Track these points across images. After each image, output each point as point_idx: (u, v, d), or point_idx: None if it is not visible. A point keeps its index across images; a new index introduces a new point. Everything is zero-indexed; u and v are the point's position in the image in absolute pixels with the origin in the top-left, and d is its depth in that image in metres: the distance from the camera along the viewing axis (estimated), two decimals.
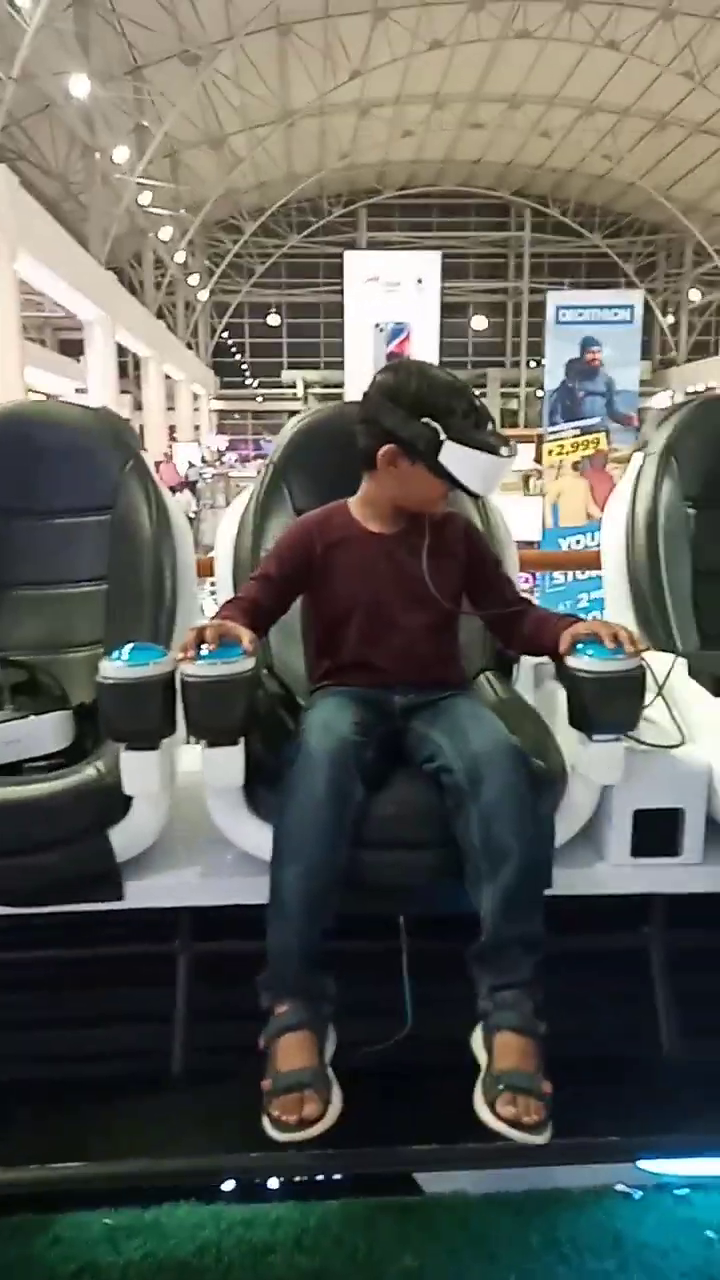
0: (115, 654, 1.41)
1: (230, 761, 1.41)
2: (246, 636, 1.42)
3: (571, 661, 1.43)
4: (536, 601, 2.11)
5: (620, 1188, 1.59)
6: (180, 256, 25.89)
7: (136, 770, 1.42)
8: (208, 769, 1.41)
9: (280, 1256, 1.54)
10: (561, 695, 1.51)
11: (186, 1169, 1.42)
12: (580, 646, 1.44)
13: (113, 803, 1.45)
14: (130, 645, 1.43)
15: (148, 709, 1.39)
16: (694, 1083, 1.52)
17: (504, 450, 1.53)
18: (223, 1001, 1.56)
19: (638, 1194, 1.60)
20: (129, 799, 1.46)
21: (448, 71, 22.07)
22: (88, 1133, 1.44)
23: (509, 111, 24.55)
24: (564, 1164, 1.28)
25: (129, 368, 23.61)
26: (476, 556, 1.69)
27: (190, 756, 1.44)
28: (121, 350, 18.49)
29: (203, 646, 1.38)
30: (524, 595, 1.71)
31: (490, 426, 1.55)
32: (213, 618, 1.56)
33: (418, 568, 1.59)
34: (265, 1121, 1.25)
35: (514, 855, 1.33)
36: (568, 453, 6.19)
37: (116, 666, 1.38)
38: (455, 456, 1.53)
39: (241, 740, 1.41)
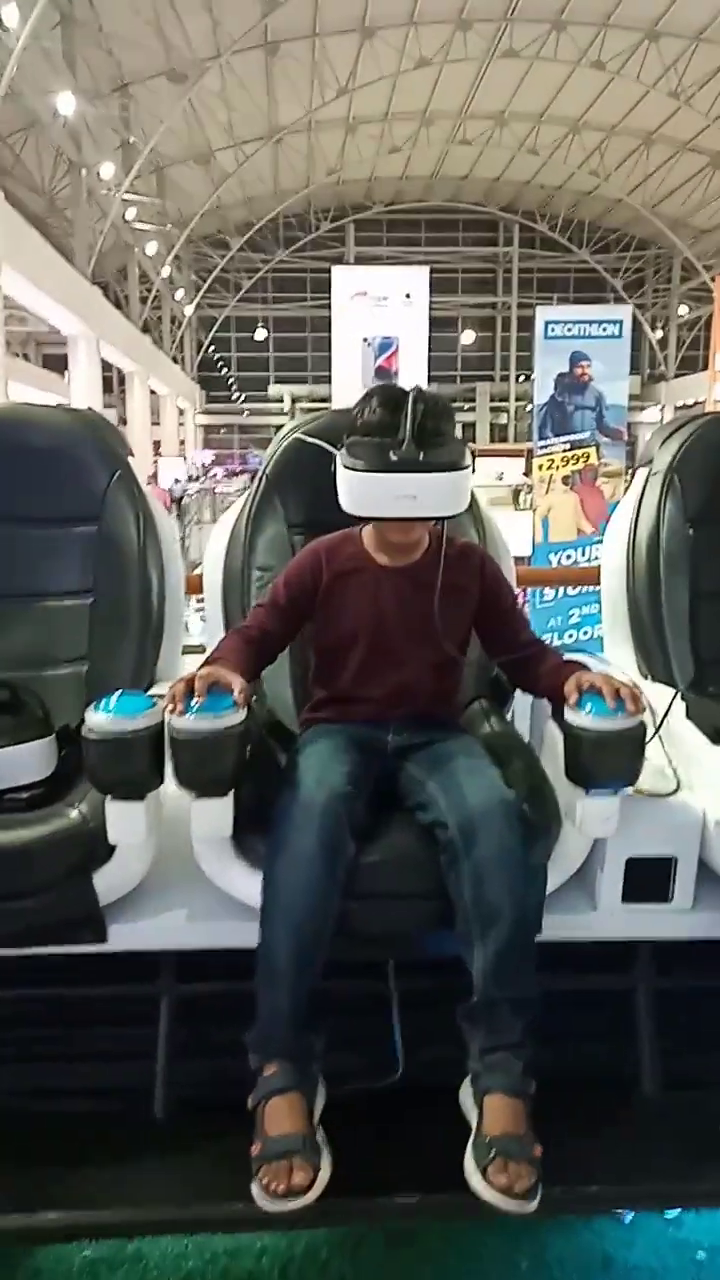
0: (102, 704, 1.36)
1: (219, 813, 1.37)
2: (238, 685, 1.36)
3: (571, 717, 1.39)
4: (528, 617, 2.07)
5: (611, 1210, 1.57)
6: (166, 271, 25.96)
7: (122, 820, 1.38)
8: (196, 820, 1.38)
9: None
10: (558, 734, 1.47)
11: (170, 1219, 1.39)
12: (581, 701, 1.39)
13: (96, 848, 1.41)
14: (117, 694, 1.38)
15: (134, 762, 1.35)
16: (675, 1129, 1.49)
17: (385, 467, 1.39)
18: (206, 1043, 1.54)
19: (627, 1216, 1.58)
20: (113, 844, 1.43)
21: (435, 89, 22.27)
22: (68, 1175, 1.40)
23: (496, 129, 24.78)
24: (544, 1216, 1.25)
25: (114, 383, 23.63)
26: (490, 594, 1.62)
27: (176, 791, 1.41)
28: (106, 365, 18.49)
29: (191, 699, 1.33)
30: (536, 637, 1.64)
31: (404, 441, 1.40)
32: (216, 648, 1.53)
33: (427, 606, 1.53)
34: (254, 1189, 1.23)
35: (505, 916, 1.31)
36: (558, 467, 6.21)
37: (103, 719, 1.34)
38: (338, 479, 1.47)
39: (231, 793, 1.37)
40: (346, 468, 1.45)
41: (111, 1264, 1.55)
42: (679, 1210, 1.59)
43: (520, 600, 5.90)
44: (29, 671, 1.76)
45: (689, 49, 19.15)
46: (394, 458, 1.40)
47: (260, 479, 1.98)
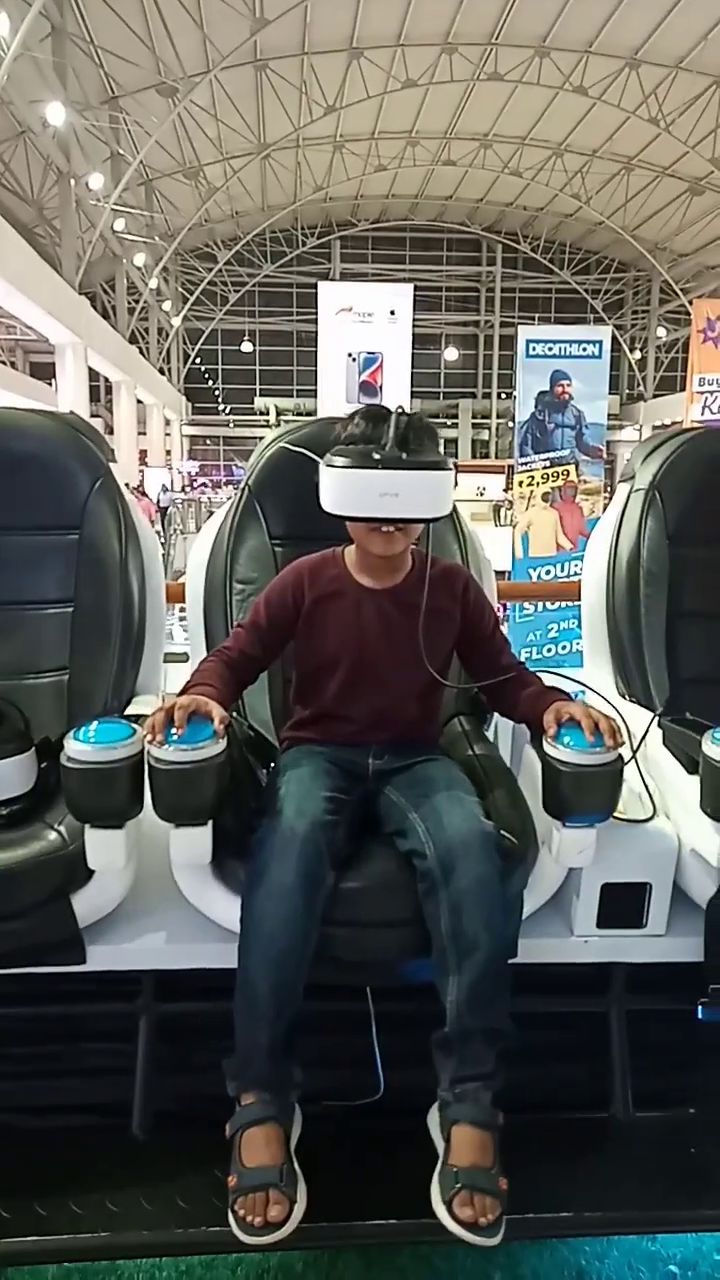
0: (81, 733, 1.34)
1: (198, 841, 1.36)
2: (218, 715, 1.35)
3: (549, 750, 1.38)
4: (506, 630, 2.08)
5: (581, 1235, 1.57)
6: (154, 283, 26.01)
7: (102, 847, 1.37)
8: (175, 848, 1.37)
9: None
10: (536, 759, 1.46)
11: (147, 1243, 1.38)
12: (560, 733, 1.38)
13: (76, 870, 1.40)
14: (96, 723, 1.37)
15: (114, 792, 1.33)
16: (649, 1149, 1.50)
17: (368, 464, 1.39)
18: (185, 1061, 1.53)
19: (595, 1234, 1.58)
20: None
21: (421, 110, 22.52)
22: (47, 1197, 1.39)
23: (481, 150, 25.07)
24: (512, 1239, 1.26)
25: (100, 392, 23.60)
26: (474, 614, 1.60)
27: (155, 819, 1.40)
28: (93, 374, 18.45)
29: (172, 729, 1.31)
30: (517, 661, 1.63)
31: (388, 445, 1.41)
32: (195, 672, 1.51)
33: (410, 628, 1.51)
34: (231, 1220, 1.22)
35: (482, 948, 1.31)
36: (538, 484, 6.26)
37: (82, 749, 1.32)
38: (320, 480, 1.46)
39: (210, 822, 1.36)
40: (329, 466, 1.44)
41: (85, 1274, 1.53)
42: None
43: (500, 614, 5.95)
44: (9, 681, 1.73)
45: (669, 76, 19.49)
46: (377, 456, 1.40)
47: (243, 490, 1.95)
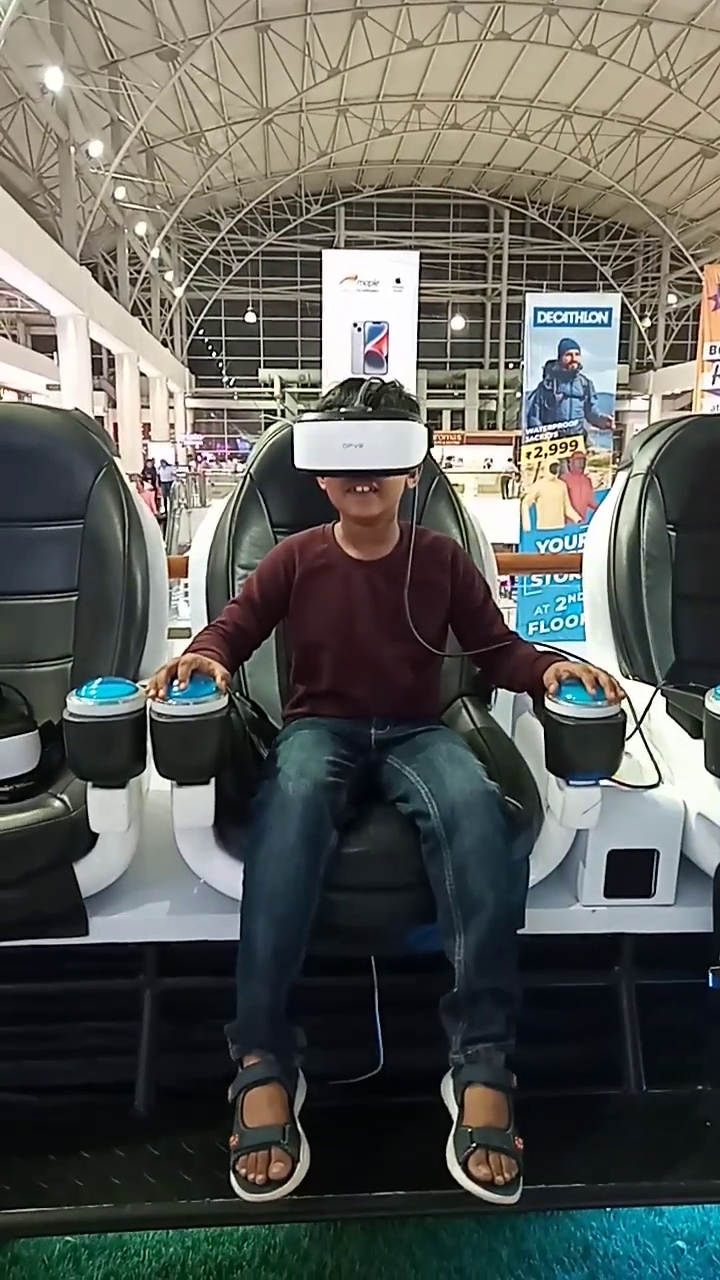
0: (84, 690, 1.35)
1: (201, 801, 1.36)
2: (220, 673, 1.37)
3: (551, 706, 1.39)
4: (515, 604, 2.09)
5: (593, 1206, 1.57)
6: (156, 253, 25.72)
7: (104, 808, 1.37)
8: (177, 809, 1.37)
9: (246, 1274, 1.51)
10: (538, 728, 1.47)
11: (150, 1215, 1.37)
12: (561, 690, 1.39)
13: (78, 838, 1.40)
14: (99, 680, 1.38)
15: (116, 748, 1.34)
16: (661, 1124, 1.50)
17: (333, 416, 1.45)
18: (188, 1037, 1.53)
19: (607, 1205, 1.59)
20: (95, 833, 1.42)
21: (427, 72, 22.09)
22: (49, 1170, 1.39)
23: (488, 113, 24.62)
24: (526, 1211, 1.25)
25: (103, 364, 23.44)
26: (463, 585, 1.62)
27: (158, 780, 1.40)
28: (95, 347, 18.31)
29: (174, 684, 1.33)
30: (511, 630, 1.65)
31: (354, 402, 1.47)
32: (191, 643, 1.52)
33: (399, 600, 1.53)
34: (232, 1180, 1.22)
35: (487, 907, 1.31)
36: (545, 455, 6.20)
37: (84, 704, 1.33)
38: (294, 438, 1.50)
39: (213, 780, 1.36)
40: (298, 423, 1.49)
41: (92, 1251, 1.54)
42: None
43: (507, 588, 5.92)
44: (12, 668, 1.75)
45: (681, 35, 19.06)
46: (343, 410, 1.46)
47: (245, 478, 1.99)
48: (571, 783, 1.39)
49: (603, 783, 1.42)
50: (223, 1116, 1.29)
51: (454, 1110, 1.27)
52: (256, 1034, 1.31)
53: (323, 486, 1.56)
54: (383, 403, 1.48)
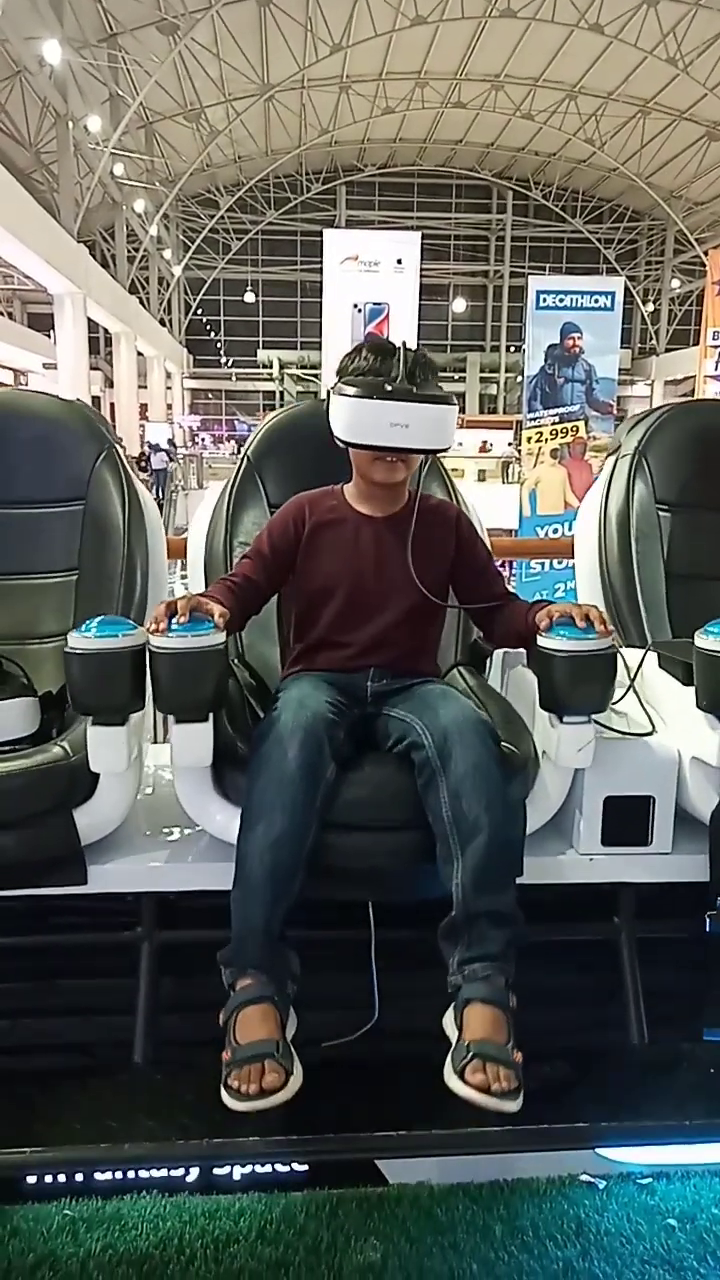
0: (84, 626, 1.39)
1: (199, 739, 1.39)
2: (218, 610, 1.40)
3: (544, 641, 1.43)
4: (514, 590, 2.13)
5: (584, 1177, 1.59)
6: (154, 230, 25.49)
7: (104, 746, 1.40)
8: (176, 746, 1.40)
9: (243, 1247, 1.52)
10: (532, 685, 1.50)
11: (145, 1155, 1.40)
12: (553, 627, 1.44)
13: (78, 781, 1.43)
14: (99, 618, 1.41)
15: (116, 681, 1.38)
16: (661, 1071, 1.54)
17: (380, 394, 1.46)
18: (186, 990, 1.55)
19: (601, 1183, 1.60)
20: (94, 779, 1.44)
21: (431, 49, 21.86)
22: (48, 1120, 1.42)
23: (492, 92, 24.38)
24: (527, 1148, 1.28)
25: (100, 344, 23.28)
26: (466, 548, 1.67)
27: (158, 751, 1.42)
28: (92, 325, 18.18)
29: (173, 620, 1.36)
30: (509, 591, 1.71)
31: (399, 378, 1.48)
32: (199, 593, 1.54)
33: (404, 555, 1.57)
34: (224, 1093, 1.23)
35: (483, 829, 1.33)
36: (546, 440, 6.18)
37: (85, 638, 1.37)
38: (332, 408, 1.53)
39: (211, 718, 1.40)
40: (342, 395, 1.50)
41: (90, 1223, 1.55)
42: (651, 1178, 1.62)
43: (506, 573, 5.92)
44: (14, 644, 1.78)
45: (688, 14, 18.88)
46: (389, 388, 1.47)
47: (243, 460, 2.02)
48: (565, 719, 1.43)
49: (598, 731, 1.46)
50: (220, 1068, 1.31)
51: (454, 1036, 1.27)
52: (250, 955, 1.32)
53: (340, 446, 1.58)
54: (418, 374, 1.51)
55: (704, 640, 1.46)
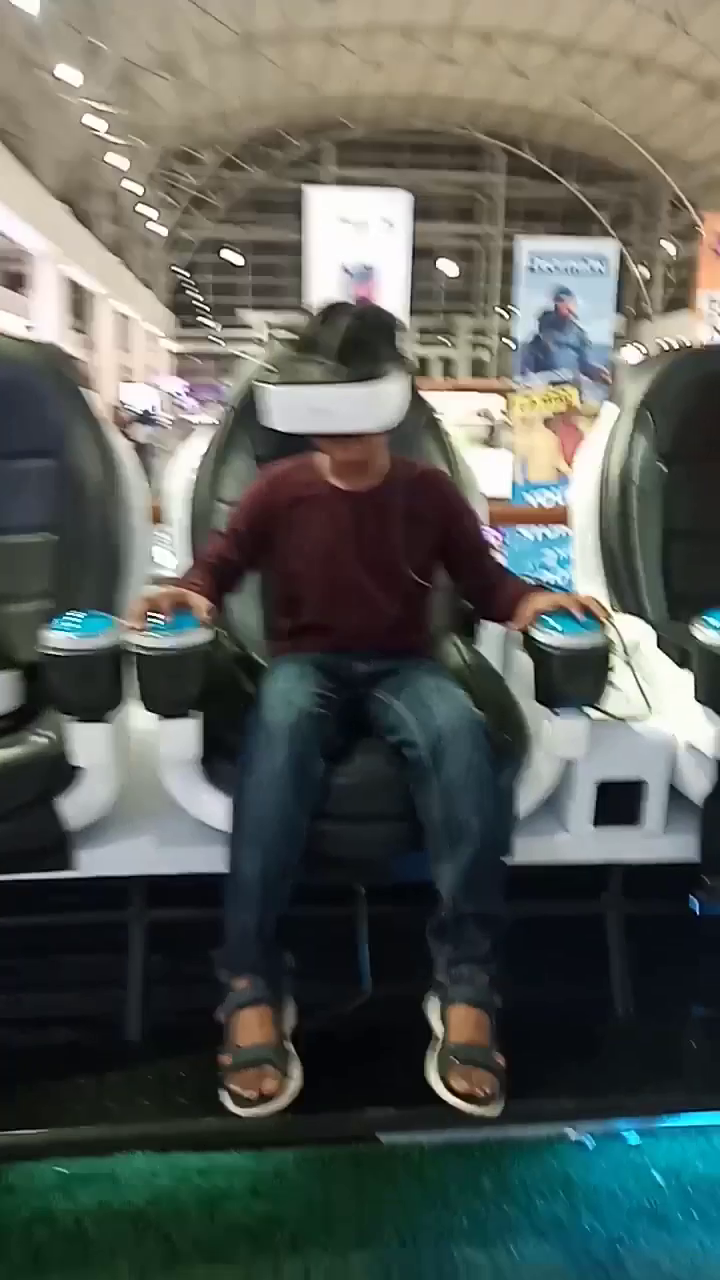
0: (61, 623, 1.34)
1: (186, 735, 1.37)
2: (204, 606, 1.37)
3: (537, 635, 1.40)
4: (504, 558, 2.09)
5: (573, 1136, 1.62)
6: (136, 189, 24.94)
7: (86, 742, 1.37)
8: (164, 743, 1.37)
9: (235, 1203, 1.54)
10: (527, 661, 1.48)
11: (142, 1135, 1.41)
12: (546, 620, 1.40)
13: (61, 772, 1.41)
14: (77, 614, 1.37)
15: (96, 681, 1.34)
16: (648, 1047, 1.55)
17: (296, 380, 1.38)
18: (177, 968, 1.56)
19: (590, 1141, 1.63)
20: (79, 768, 1.42)
21: (421, 1, 21.30)
22: (42, 1099, 1.42)
23: (483, 47, 23.84)
24: (515, 1124, 1.31)
25: (81, 305, 22.86)
26: (453, 518, 1.60)
27: (144, 717, 1.40)
28: (73, 287, 17.84)
29: (156, 617, 1.33)
30: (500, 564, 1.65)
31: (330, 354, 1.38)
32: (178, 576, 1.52)
33: (387, 532, 1.52)
34: (225, 1097, 1.25)
35: (474, 833, 1.33)
36: (538, 406, 6.13)
37: (62, 637, 1.32)
38: (256, 394, 1.49)
39: (198, 714, 1.37)
40: (260, 384, 1.46)
41: (85, 1180, 1.57)
42: (638, 1135, 1.65)
43: (497, 541, 5.89)
44: None
45: None
46: (308, 372, 1.39)
47: (228, 410, 1.95)
48: (558, 712, 1.41)
49: (593, 715, 1.44)
50: (213, 1042, 1.32)
51: (438, 1029, 1.30)
52: (245, 958, 1.33)
53: None
54: (356, 349, 1.39)
55: (702, 633, 1.42)
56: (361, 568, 1.55)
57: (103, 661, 1.33)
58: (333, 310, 1.44)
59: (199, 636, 1.32)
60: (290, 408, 1.42)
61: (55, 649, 1.32)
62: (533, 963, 1.42)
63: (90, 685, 1.34)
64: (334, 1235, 1.48)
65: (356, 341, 1.39)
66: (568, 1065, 1.50)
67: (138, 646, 1.31)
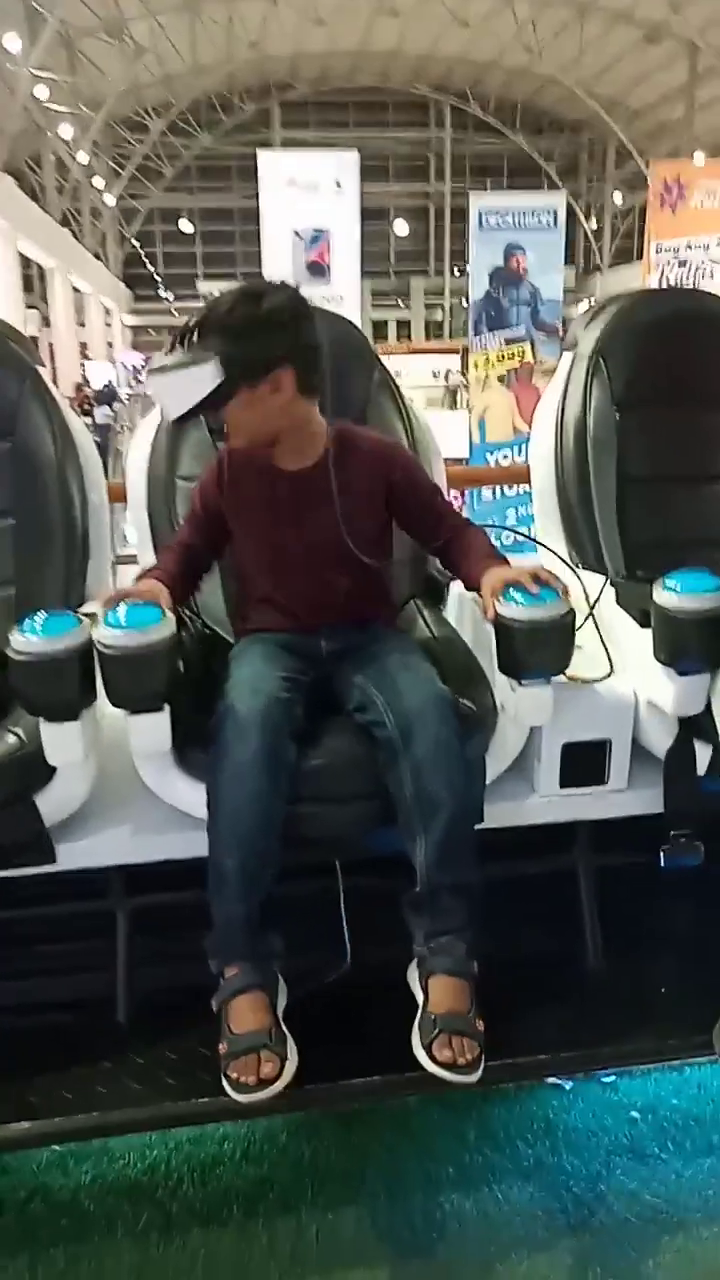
0: (27, 625, 1.32)
1: (157, 728, 1.36)
2: (164, 599, 1.37)
3: (500, 609, 1.38)
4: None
5: (551, 1080, 1.67)
6: (84, 158, 24.31)
7: (58, 742, 1.36)
8: (134, 737, 1.37)
9: (228, 1169, 1.58)
10: (490, 627, 1.47)
11: (136, 1119, 1.43)
12: (507, 593, 1.39)
13: (35, 770, 1.40)
14: (42, 615, 1.34)
15: (64, 683, 1.32)
16: (617, 997, 1.59)
17: (159, 367, 1.42)
18: (164, 949, 1.57)
19: (567, 1084, 1.69)
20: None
21: None
22: (37, 1084, 1.44)
23: None
24: (495, 1084, 1.35)
25: (34, 281, 22.35)
26: (400, 489, 1.57)
27: (115, 715, 1.39)
28: (26, 262, 17.42)
29: (115, 613, 1.32)
30: (461, 525, 1.60)
31: (185, 340, 1.41)
32: (147, 567, 1.52)
33: (326, 510, 1.50)
34: (225, 1084, 1.27)
35: (445, 807, 1.34)
36: (493, 365, 6.11)
37: (28, 641, 1.30)
38: None
39: (167, 706, 1.36)
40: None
41: (79, 1156, 1.60)
42: (614, 1075, 1.71)
43: (457, 504, 5.90)
44: None
45: None
46: (161, 357, 1.46)
47: None
48: (524, 683, 1.41)
49: (554, 680, 1.44)
50: (202, 1022, 1.34)
51: (419, 997, 1.33)
52: (234, 946, 1.35)
53: None
54: (207, 326, 1.40)
55: (662, 596, 1.43)
56: (303, 546, 1.54)
57: (70, 663, 1.31)
58: (220, 296, 1.45)
59: (162, 631, 1.31)
60: (161, 396, 1.47)
61: (22, 652, 1.30)
62: (506, 919, 1.45)
63: (58, 687, 1.32)
64: (324, 1193, 1.52)
65: (197, 327, 1.42)
66: (544, 1019, 1.53)
67: (102, 645, 1.30)
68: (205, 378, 1.40)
